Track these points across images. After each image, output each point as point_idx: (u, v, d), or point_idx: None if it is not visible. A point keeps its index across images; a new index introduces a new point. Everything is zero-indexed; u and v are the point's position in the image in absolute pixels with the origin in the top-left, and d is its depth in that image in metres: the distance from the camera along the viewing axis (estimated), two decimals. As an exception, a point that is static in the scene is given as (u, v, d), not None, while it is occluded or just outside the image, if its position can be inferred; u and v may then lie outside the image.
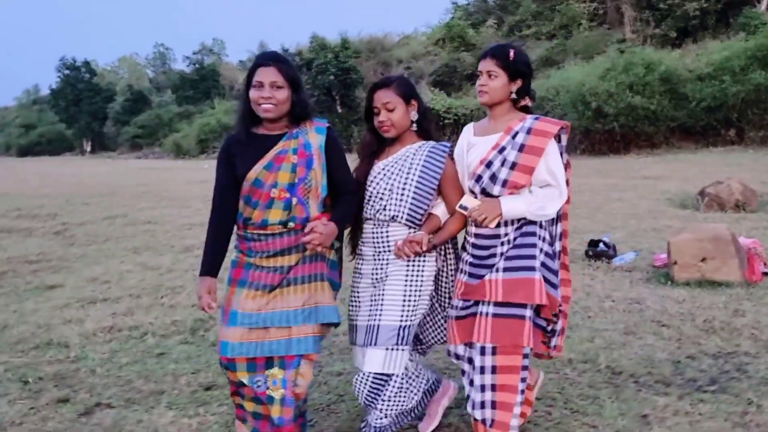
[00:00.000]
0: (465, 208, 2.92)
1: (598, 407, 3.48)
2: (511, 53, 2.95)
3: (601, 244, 6.91)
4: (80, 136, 67.22)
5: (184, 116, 54.24)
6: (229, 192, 2.94)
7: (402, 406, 3.10)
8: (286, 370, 2.91)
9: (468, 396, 2.98)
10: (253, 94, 2.86)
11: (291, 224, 2.89)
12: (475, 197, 2.98)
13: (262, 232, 2.90)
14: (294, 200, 2.88)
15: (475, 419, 2.95)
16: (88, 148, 66.12)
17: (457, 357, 3.07)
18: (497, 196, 2.91)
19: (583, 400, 3.59)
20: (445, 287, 3.22)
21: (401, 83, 3.10)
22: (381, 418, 3.07)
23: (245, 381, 2.92)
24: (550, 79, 24.98)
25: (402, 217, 3.00)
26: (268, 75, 2.85)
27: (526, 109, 3.05)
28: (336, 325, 3.07)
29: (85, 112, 64.69)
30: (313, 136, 2.98)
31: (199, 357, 4.53)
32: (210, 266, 2.96)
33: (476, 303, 2.93)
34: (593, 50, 28.22)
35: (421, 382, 3.23)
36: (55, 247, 9.07)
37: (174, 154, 45.30)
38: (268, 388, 2.91)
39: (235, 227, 3.00)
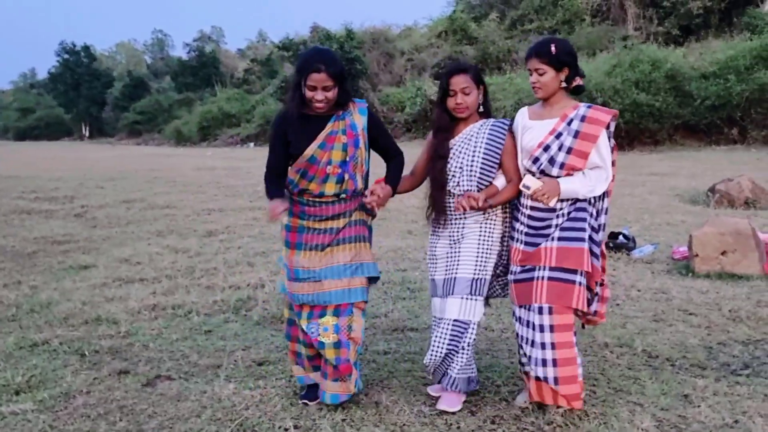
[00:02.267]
0: (528, 188, 3.24)
1: (640, 387, 3.66)
2: (553, 48, 3.24)
3: (621, 237, 7.09)
4: (79, 120, 67.21)
5: (184, 103, 54.15)
6: (282, 165, 3.43)
7: (471, 361, 3.48)
8: (340, 317, 3.39)
9: (525, 356, 3.34)
10: (308, 93, 3.29)
11: (343, 195, 3.40)
12: (533, 175, 3.29)
13: (318, 199, 3.39)
14: (346, 175, 3.37)
15: (537, 378, 3.29)
16: (87, 134, 66.12)
17: (514, 316, 3.44)
18: (555, 177, 3.25)
19: (624, 380, 3.76)
20: (505, 250, 3.56)
21: (476, 70, 3.48)
22: (463, 369, 3.42)
23: (304, 327, 3.42)
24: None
25: (473, 190, 3.39)
26: (320, 80, 3.25)
27: (577, 89, 3.34)
28: (377, 279, 3.58)
29: (84, 97, 64.70)
30: (358, 117, 3.44)
31: (246, 335, 4.70)
32: (275, 194, 3.39)
33: (532, 269, 3.29)
34: (596, 46, 28.34)
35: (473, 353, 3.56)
36: (78, 228, 9.22)
37: (175, 141, 45.25)
38: (319, 335, 3.38)
39: (287, 193, 3.45)
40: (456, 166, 3.45)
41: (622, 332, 4.53)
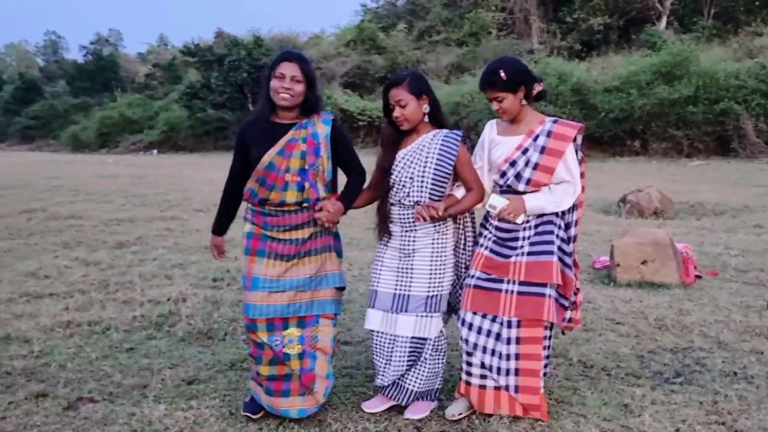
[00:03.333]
0: (494, 207, 3.26)
1: (580, 397, 3.69)
2: (503, 74, 3.25)
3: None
4: (-36, 124, 63.31)
5: (80, 108, 51.94)
6: (242, 173, 3.39)
7: (435, 374, 3.51)
8: (305, 329, 3.36)
9: (476, 366, 3.40)
10: (274, 83, 3.26)
11: (305, 204, 3.32)
12: (500, 190, 3.38)
13: (279, 208, 3.31)
14: (306, 184, 3.30)
15: (497, 388, 3.35)
16: (-25, 138, 62.33)
17: (464, 323, 3.40)
18: (522, 192, 3.29)
19: (564, 391, 3.79)
20: (463, 257, 3.57)
21: (412, 80, 3.40)
22: (425, 382, 3.48)
23: (265, 340, 3.31)
24: (466, 85, 25.50)
25: (424, 201, 3.36)
26: (290, 69, 3.24)
27: (540, 95, 3.38)
28: (342, 288, 3.53)
29: (-29, 100, 61.06)
30: (321, 126, 3.38)
31: (171, 352, 4.47)
32: (221, 228, 3.61)
33: (499, 280, 3.31)
34: (503, 59, 29.07)
35: (442, 369, 3.58)
36: (-24, 240, 8.61)
37: (72, 148, 43.32)
38: (284, 346, 3.32)
39: (248, 203, 3.42)
40: (407, 176, 3.41)
41: (554, 342, 4.55)
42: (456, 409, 3.46)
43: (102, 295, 5.82)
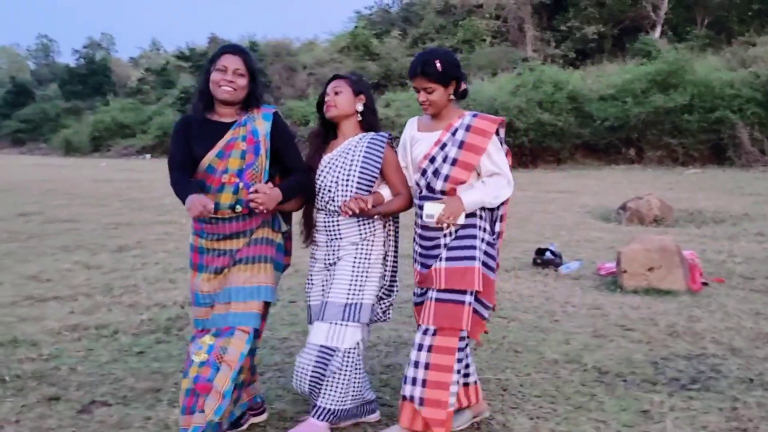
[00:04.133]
0: (431, 216, 3.05)
1: (598, 403, 3.66)
2: (438, 65, 3.06)
3: (548, 252, 7.21)
4: (-45, 127, 62.93)
5: (72, 112, 51.75)
6: (188, 165, 3.11)
7: (347, 392, 3.20)
8: (218, 338, 3.08)
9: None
10: (215, 75, 3.08)
11: (238, 207, 3.10)
12: (421, 192, 3.19)
13: (214, 215, 3.07)
14: (241, 184, 3.09)
15: (404, 398, 3.10)
16: (-36, 141, 61.95)
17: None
18: (440, 191, 3.11)
19: (581, 397, 3.76)
20: (388, 269, 3.41)
21: (356, 78, 3.41)
22: (337, 400, 3.18)
23: (190, 350, 3.12)
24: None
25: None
26: (233, 62, 3.09)
27: (463, 94, 3.20)
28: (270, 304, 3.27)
29: (-39, 103, 60.67)
30: (260, 122, 3.19)
31: (181, 355, 4.41)
32: (191, 190, 2.98)
33: (426, 291, 3.17)
34: (496, 66, 29.20)
35: (365, 381, 3.35)
36: (-27, 243, 8.53)
37: (63, 152, 43.10)
38: (193, 353, 3.07)
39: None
40: (332, 181, 3.28)
41: (567, 348, 4.55)
42: (458, 422, 3.33)
43: (107, 299, 5.77)
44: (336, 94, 3.29)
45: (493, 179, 3.12)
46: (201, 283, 3.18)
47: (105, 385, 3.92)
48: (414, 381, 3.05)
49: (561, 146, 22.27)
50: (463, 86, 3.19)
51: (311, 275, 3.42)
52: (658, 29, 29.42)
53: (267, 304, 3.23)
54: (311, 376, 3.16)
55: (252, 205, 2.99)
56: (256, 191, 3.00)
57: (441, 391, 3.02)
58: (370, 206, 3.12)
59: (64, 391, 3.81)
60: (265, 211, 3.05)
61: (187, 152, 3.12)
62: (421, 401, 3.03)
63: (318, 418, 3.19)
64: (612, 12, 30.11)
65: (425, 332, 3.07)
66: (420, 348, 3.07)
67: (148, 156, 36.61)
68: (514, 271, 7.00)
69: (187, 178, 3.11)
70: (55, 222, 10.30)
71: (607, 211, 10.99)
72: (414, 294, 3.33)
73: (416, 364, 3.06)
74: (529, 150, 21.76)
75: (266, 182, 3.15)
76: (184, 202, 2.96)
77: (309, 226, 3.41)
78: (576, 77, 24.02)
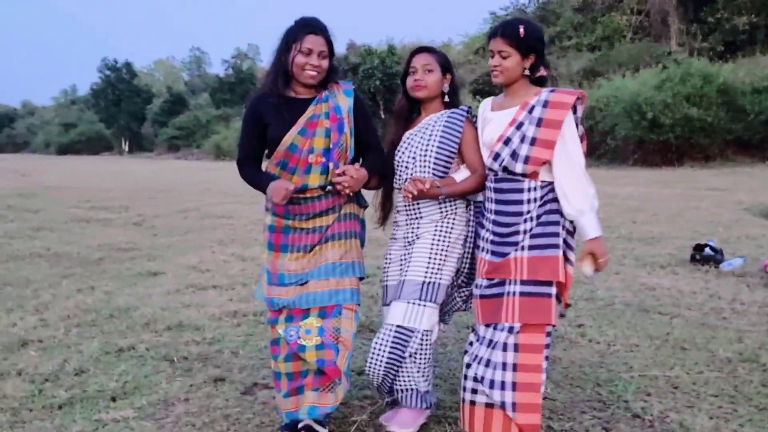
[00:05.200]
0: (593, 272, 2.82)
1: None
2: (521, 30, 2.81)
3: (708, 249, 6.78)
4: (119, 135, 68.15)
5: (222, 118, 54.65)
6: (258, 154, 3.12)
7: (421, 375, 3.09)
8: (326, 319, 3.00)
9: (473, 380, 2.83)
10: (300, 59, 2.94)
11: (329, 187, 3.01)
12: (494, 177, 2.90)
13: (301, 195, 3.00)
14: (330, 164, 2.98)
15: (489, 405, 2.79)
16: (126, 148, 66.95)
17: (478, 338, 2.90)
18: (521, 174, 2.80)
19: (763, 398, 3.46)
20: (467, 253, 3.20)
21: (443, 54, 3.22)
22: (410, 381, 3.08)
23: (282, 333, 3.02)
24: (601, 90, 24.74)
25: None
26: (317, 43, 2.95)
27: (542, 80, 2.94)
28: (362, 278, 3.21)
29: (125, 113, 65.61)
30: (342, 98, 3.07)
31: (336, 343, 4.49)
32: (269, 178, 2.99)
33: (501, 283, 2.83)
34: (638, 62, 27.94)
35: (431, 369, 3.19)
36: (139, 236, 9.14)
37: (214, 156, 45.59)
38: (299, 337, 2.98)
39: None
40: (409, 157, 3.16)
41: (741, 347, 4.22)
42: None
43: (262, 289, 5.97)
44: (426, 72, 3.14)
45: (575, 183, 2.76)
46: (288, 262, 3.07)
47: (265, 368, 4.03)
48: (503, 385, 2.74)
49: (710, 142, 21.01)
50: (542, 72, 2.91)
51: (389, 254, 3.30)
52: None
53: (360, 279, 3.19)
54: (388, 359, 3.04)
55: (338, 187, 2.95)
56: (343, 173, 2.94)
57: (533, 393, 2.73)
58: (427, 186, 2.91)
59: (228, 372, 3.96)
60: (351, 194, 3.02)
61: (259, 137, 3.06)
62: (514, 406, 2.72)
63: (406, 404, 3.13)
64: (765, 1, 27.99)
65: (511, 330, 2.75)
66: (505, 348, 2.75)
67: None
68: (670, 267, 6.63)
69: (259, 169, 3.09)
70: (210, 218, 10.86)
71: (767, 209, 10.21)
72: (476, 286, 2.96)
73: (504, 366, 2.74)
74: (675, 147, 20.71)
75: (351, 159, 3.08)
76: (264, 191, 2.99)
77: (387, 208, 3.32)
78: (727, 70, 22.51)
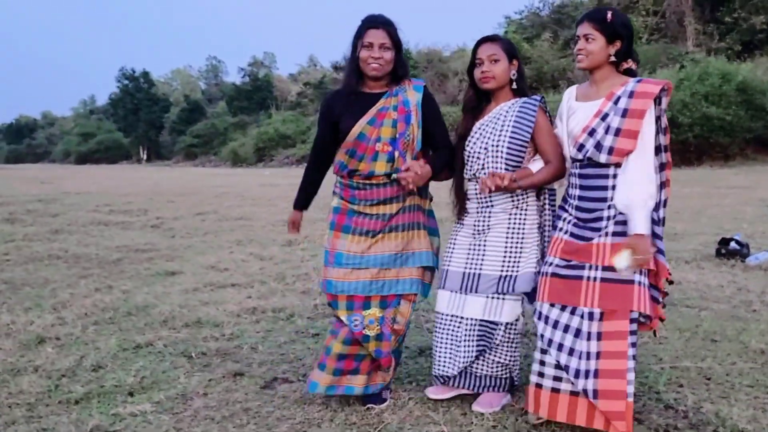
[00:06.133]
0: (626, 267, 2.72)
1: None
2: (609, 15, 2.84)
3: (733, 243, 6.64)
4: (137, 144, 68.78)
5: (238, 126, 55.08)
6: (329, 144, 3.29)
7: (506, 364, 3.19)
8: (386, 309, 3.17)
9: (551, 366, 2.87)
10: (363, 53, 3.11)
11: (394, 175, 3.13)
12: (578, 165, 2.91)
13: (367, 181, 3.17)
14: (396, 153, 3.13)
15: (573, 393, 2.82)
16: (145, 156, 67.51)
17: (540, 317, 2.92)
18: (604, 164, 2.81)
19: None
20: (544, 240, 3.18)
21: (507, 41, 3.21)
22: (497, 368, 3.19)
23: (344, 319, 3.16)
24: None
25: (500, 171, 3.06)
26: (378, 36, 3.10)
27: (629, 73, 2.91)
28: (433, 268, 3.32)
29: (143, 121, 66.22)
30: (412, 93, 3.21)
31: (356, 338, 4.42)
32: (303, 202, 3.53)
33: (580, 266, 2.83)
34: (655, 63, 27.70)
35: (516, 354, 3.24)
36: (158, 238, 9.12)
37: (231, 163, 45.82)
38: (364, 328, 3.15)
39: (337, 177, 3.31)
40: (481, 147, 3.15)
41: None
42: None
43: (281, 286, 5.92)
44: (492, 62, 3.12)
45: (638, 175, 2.74)
46: (349, 243, 3.18)
47: (285, 363, 3.96)
48: (586, 374, 2.74)
49: (730, 141, 20.84)
50: (630, 64, 2.89)
51: (454, 240, 3.26)
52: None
53: (428, 270, 3.30)
54: (475, 352, 3.12)
55: (402, 183, 3.05)
56: (407, 169, 3.02)
57: (617, 380, 2.70)
58: (506, 183, 2.92)
59: (248, 368, 3.89)
60: (414, 189, 3.13)
61: (331, 131, 3.25)
62: (595, 393, 2.72)
63: (490, 389, 3.20)
64: (784, 0, 27.67)
65: (591, 317, 2.76)
66: (589, 337, 2.75)
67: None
68: (695, 262, 6.51)
69: (314, 174, 3.42)
70: (228, 220, 10.83)
71: (793, 207, 10.05)
72: (547, 263, 2.94)
73: (588, 355, 2.75)
74: (694, 146, 20.49)
75: (420, 151, 3.21)
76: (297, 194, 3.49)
77: (461, 198, 3.30)
78: (745, 69, 22.28)
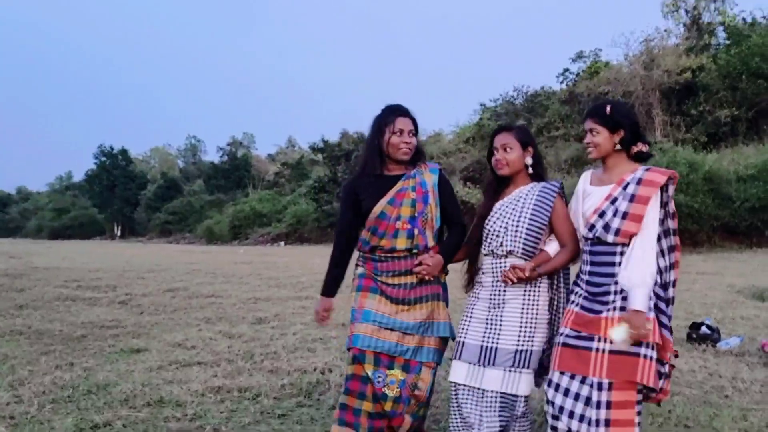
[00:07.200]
0: (624, 341, 2.90)
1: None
2: (608, 109, 3.12)
3: (704, 327, 6.65)
4: (112, 220, 68.37)
5: (215, 204, 55.17)
6: (353, 227, 3.51)
7: None
8: (408, 374, 3.34)
9: (550, 429, 3.09)
10: (394, 139, 3.39)
11: (415, 251, 3.40)
12: (590, 243, 3.13)
13: (389, 254, 3.40)
14: (415, 231, 3.36)
15: None
16: (119, 233, 66.97)
17: (550, 384, 3.09)
18: (611, 243, 3.04)
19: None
20: (556, 317, 3.32)
21: (521, 130, 3.45)
22: None
23: (370, 374, 3.29)
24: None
25: (518, 251, 3.27)
26: (407, 124, 3.42)
27: (641, 155, 3.15)
28: (451, 339, 3.50)
29: (119, 198, 66.07)
30: (428, 175, 3.49)
31: (323, 419, 4.30)
32: (331, 288, 3.60)
33: (590, 338, 3.00)
34: (625, 151, 28.33)
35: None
36: (125, 315, 8.92)
37: (206, 240, 45.60)
38: (385, 386, 3.29)
39: (360, 253, 3.53)
40: (501, 226, 3.33)
41: (747, 425, 4.07)
42: None
43: (249, 364, 5.78)
44: (506, 150, 3.32)
45: (640, 256, 2.95)
46: (377, 304, 3.37)
47: (248, 444, 3.84)
48: None
49: (698, 228, 21.12)
50: (640, 147, 3.13)
51: (470, 312, 3.38)
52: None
53: (443, 340, 3.49)
54: (500, 425, 3.19)
55: (419, 276, 3.36)
56: (420, 263, 3.33)
57: None
58: (527, 274, 3.14)
59: (209, 448, 3.76)
60: (432, 279, 3.40)
61: (355, 211, 3.46)
62: None
63: None
64: (746, 95, 28.65)
65: (600, 387, 2.92)
66: (599, 406, 2.91)
67: (282, 243, 37.94)
68: (668, 347, 6.48)
69: (342, 257, 3.55)
70: (198, 297, 10.66)
71: (758, 291, 10.17)
72: (560, 334, 3.11)
73: (597, 423, 2.90)
74: (663, 232, 20.74)
75: (438, 228, 3.47)
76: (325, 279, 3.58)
77: (472, 272, 3.47)
78: (711, 159, 22.97)
